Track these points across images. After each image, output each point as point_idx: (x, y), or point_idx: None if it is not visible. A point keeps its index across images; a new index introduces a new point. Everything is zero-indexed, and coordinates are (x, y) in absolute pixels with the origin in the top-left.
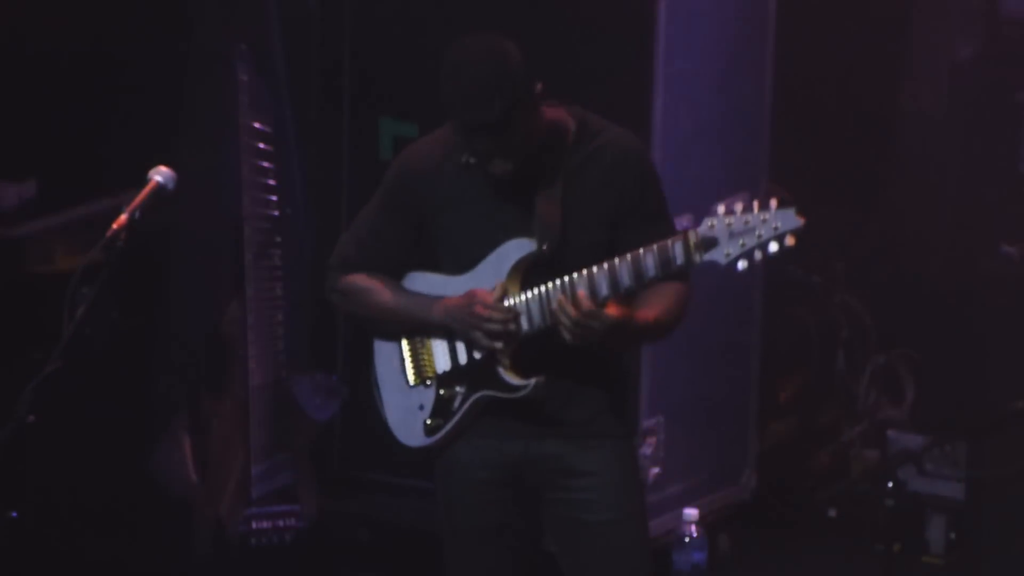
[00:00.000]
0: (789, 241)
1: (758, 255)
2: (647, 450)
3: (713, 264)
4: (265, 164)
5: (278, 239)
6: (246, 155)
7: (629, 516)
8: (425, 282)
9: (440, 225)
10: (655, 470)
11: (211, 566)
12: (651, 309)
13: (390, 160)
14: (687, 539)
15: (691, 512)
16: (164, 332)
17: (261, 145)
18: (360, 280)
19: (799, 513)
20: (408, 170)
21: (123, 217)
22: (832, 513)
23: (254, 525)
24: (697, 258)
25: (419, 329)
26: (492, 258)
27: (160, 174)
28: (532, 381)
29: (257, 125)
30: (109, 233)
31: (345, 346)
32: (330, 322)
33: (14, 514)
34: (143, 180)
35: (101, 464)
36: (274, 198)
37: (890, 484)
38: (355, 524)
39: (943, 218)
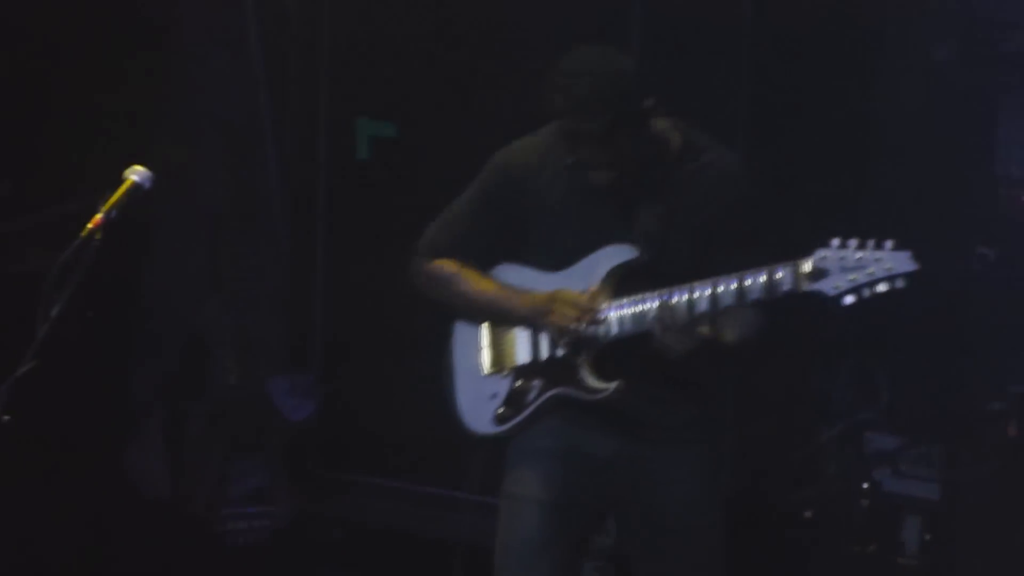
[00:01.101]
0: (900, 283)
1: (867, 292)
2: None
3: (819, 295)
4: (242, 163)
5: (255, 238)
6: (223, 154)
7: (710, 524)
8: (517, 275)
9: (537, 222)
10: None
11: (186, 565)
12: (737, 333)
13: (367, 159)
14: None
15: None
16: (140, 331)
17: (238, 144)
18: (448, 267)
19: (775, 514)
20: (510, 165)
21: (99, 216)
22: (808, 514)
23: (229, 525)
24: (805, 286)
25: (501, 319)
26: (588, 261)
27: (136, 173)
28: (612, 385)
29: (235, 124)
30: (85, 232)
31: (322, 346)
32: (307, 322)
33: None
34: (119, 179)
35: (76, 463)
36: (251, 197)
37: (865, 485)
38: (330, 524)
39: (920, 220)
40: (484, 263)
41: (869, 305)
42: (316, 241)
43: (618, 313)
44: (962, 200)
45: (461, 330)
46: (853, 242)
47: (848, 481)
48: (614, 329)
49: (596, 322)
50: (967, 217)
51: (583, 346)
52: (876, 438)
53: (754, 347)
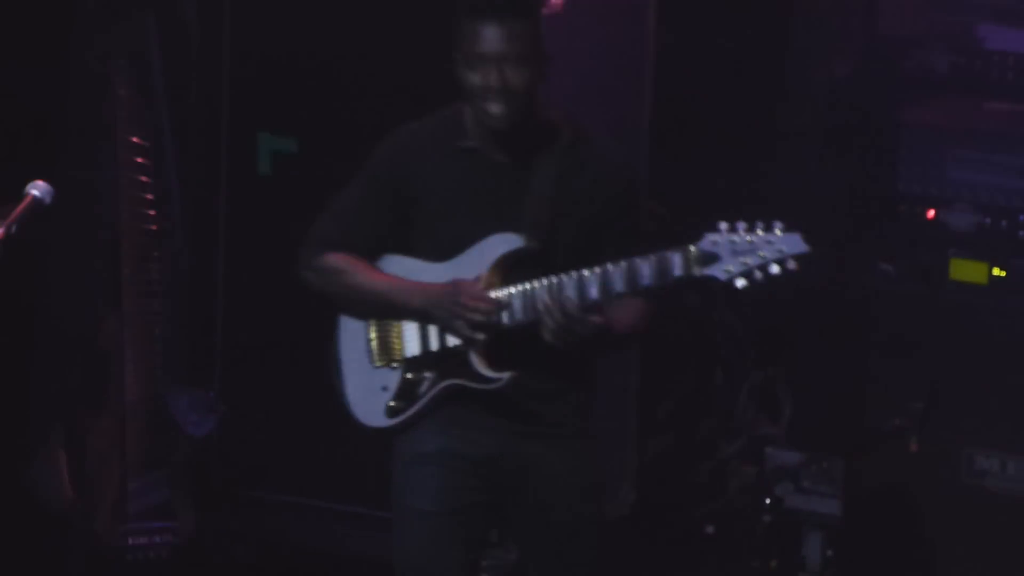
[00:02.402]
0: (791, 265)
1: (759, 275)
2: None
3: (712, 279)
4: (143, 178)
5: (155, 253)
6: (124, 169)
7: (590, 518)
8: (402, 266)
9: (425, 210)
10: None
11: None
12: (628, 322)
13: (268, 175)
14: None
15: None
16: (40, 347)
17: (139, 159)
18: (337, 260)
19: (677, 529)
20: (398, 151)
21: None
22: (710, 529)
23: (130, 541)
24: (696, 271)
25: (393, 312)
26: (475, 250)
27: (37, 188)
28: (506, 375)
29: (135, 139)
30: None
31: (223, 362)
32: (208, 337)
33: None
34: (20, 194)
35: None
36: (152, 212)
37: (767, 500)
38: (232, 540)
39: (821, 236)
40: (374, 254)
41: (771, 319)
42: (216, 256)
43: (509, 302)
44: (863, 216)
45: (346, 322)
46: (742, 225)
47: (750, 496)
48: (506, 319)
49: (499, 311)
50: (868, 233)
51: (478, 336)
52: (778, 454)
53: (644, 338)
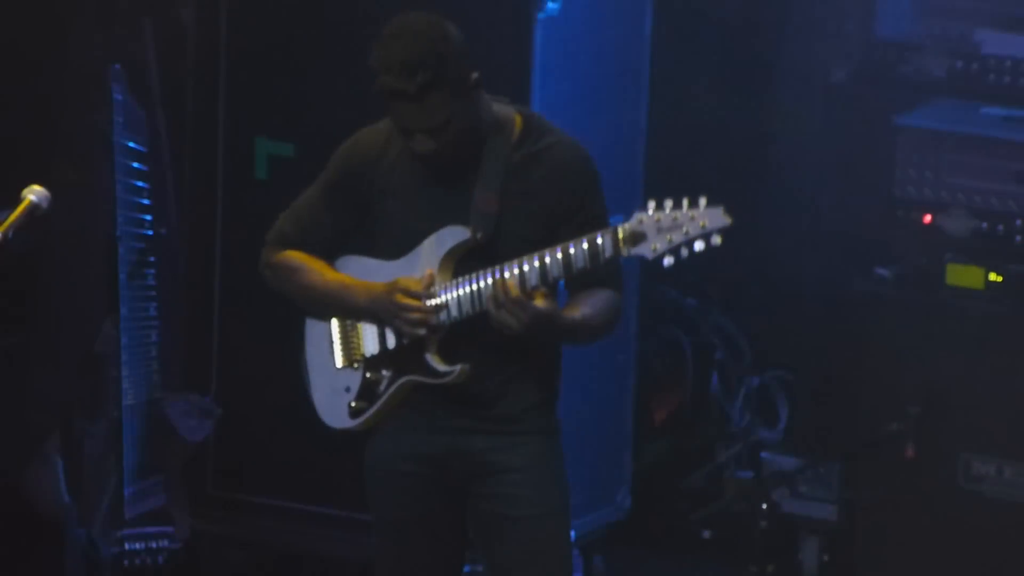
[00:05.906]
0: (716, 240)
1: (684, 252)
2: None
3: (640, 258)
4: (139, 183)
5: (152, 258)
6: (120, 174)
7: (551, 513)
8: (359, 266)
9: (380, 209)
10: None
11: None
12: (579, 309)
13: (265, 179)
14: None
15: None
16: (36, 351)
17: (135, 164)
18: (293, 259)
19: (674, 534)
20: (354, 153)
21: None
22: (706, 534)
23: (127, 546)
24: (625, 251)
25: (345, 312)
26: (426, 245)
27: (34, 193)
28: (457, 368)
29: (131, 144)
30: None
31: (219, 367)
32: (204, 342)
33: None
34: (16, 199)
35: None
36: (148, 217)
37: (764, 506)
38: (228, 545)
39: (818, 240)
40: (332, 253)
41: (768, 323)
42: (213, 261)
43: (456, 294)
44: (860, 221)
45: (312, 325)
46: (669, 202)
47: (746, 502)
48: (454, 311)
49: (437, 309)
50: (865, 238)
51: (428, 331)
52: (774, 459)
53: (603, 328)
